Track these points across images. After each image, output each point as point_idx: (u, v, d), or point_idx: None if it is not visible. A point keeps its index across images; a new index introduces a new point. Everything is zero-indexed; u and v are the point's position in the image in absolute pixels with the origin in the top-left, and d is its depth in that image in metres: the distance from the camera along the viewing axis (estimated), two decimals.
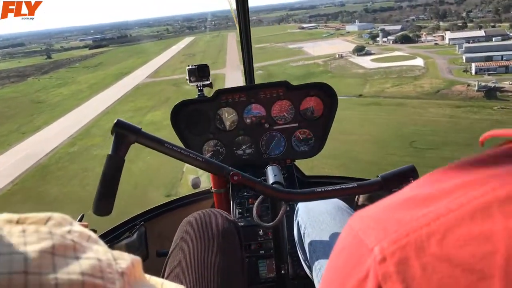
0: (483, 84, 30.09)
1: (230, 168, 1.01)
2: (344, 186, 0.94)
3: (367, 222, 0.35)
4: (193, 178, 2.02)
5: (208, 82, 1.79)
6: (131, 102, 37.75)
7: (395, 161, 18.79)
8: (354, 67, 42.96)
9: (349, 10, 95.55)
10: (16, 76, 58.63)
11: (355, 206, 1.29)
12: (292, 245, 1.32)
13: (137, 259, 0.39)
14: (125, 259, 0.36)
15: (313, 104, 1.75)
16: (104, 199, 0.94)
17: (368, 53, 48.50)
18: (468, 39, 45.70)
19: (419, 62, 41.24)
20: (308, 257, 1.13)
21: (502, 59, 36.23)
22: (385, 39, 54.51)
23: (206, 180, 2.03)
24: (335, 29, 74.86)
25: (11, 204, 18.51)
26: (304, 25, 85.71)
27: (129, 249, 1.37)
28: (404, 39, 52.55)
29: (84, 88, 46.22)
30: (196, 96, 1.77)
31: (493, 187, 0.28)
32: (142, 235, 1.52)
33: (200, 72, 1.75)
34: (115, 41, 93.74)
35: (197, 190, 1.96)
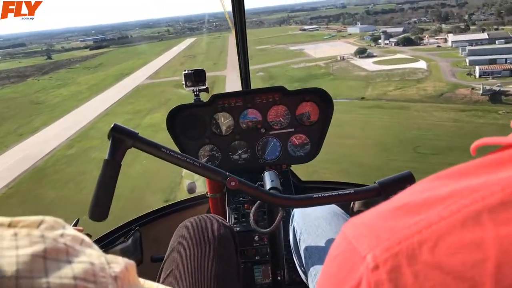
0: (487, 87, 29.66)
1: (227, 173, 1.00)
2: (341, 192, 0.94)
3: (360, 229, 0.36)
4: (189, 183, 2.02)
5: (204, 87, 1.78)
6: (130, 104, 37.39)
7: (398, 166, 18.35)
8: (356, 70, 42.57)
9: (351, 12, 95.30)
10: (16, 77, 58.39)
11: (351, 212, 1.27)
12: (287, 251, 1.30)
13: (131, 263, 0.38)
14: (118, 263, 0.36)
15: (309, 109, 1.75)
16: (100, 204, 0.94)
17: (370, 55, 48.13)
18: (471, 42, 45.31)
19: (422, 64, 40.84)
20: (304, 262, 1.13)
21: (506, 62, 35.82)
22: (387, 41, 54.16)
23: (202, 185, 2.02)
24: (336, 31, 74.56)
25: (5, 208, 18.11)
26: (306, 27, 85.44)
27: (123, 254, 1.34)
28: (406, 42, 52.20)
29: (83, 89, 45.92)
30: (193, 101, 1.76)
31: (483, 195, 0.28)
32: (137, 240, 1.49)
33: (196, 77, 1.74)
34: (116, 42, 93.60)
35: (193, 195, 1.96)
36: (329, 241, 1.08)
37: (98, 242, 1.50)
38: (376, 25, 71.73)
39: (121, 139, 0.96)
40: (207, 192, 1.86)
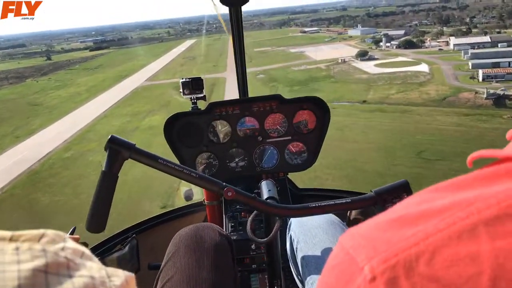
0: (491, 91, 29.25)
1: (224, 184, 1.00)
2: (338, 202, 0.95)
3: (358, 240, 0.36)
4: (186, 190, 2.01)
5: (202, 95, 1.79)
6: (129, 105, 36.97)
7: (402, 172, 17.90)
8: (357, 72, 42.21)
9: (351, 15, 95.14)
10: (15, 78, 57.99)
11: (347, 220, 1.27)
12: (284, 259, 1.30)
13: (131, 275, 0.39)
14: (119, 276, 0.36)
15: (306, 118, 1.76)
16: (98, 216, 0.95)
17: (372, 58, 47.84)
18: (473, 45, 45.03)
19: (424, 68, 40.50)
20: (301, 271, 1.14)
21: (510, 66, 35.45)
22: (388, 44, 53.88)
23: (199, 192, 2.01)
24: (337, 33, 74.37)
25: None
26: (306, 29, 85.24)
27: (120, 262, 1.33)
28: (408, 44, 51.93)
29: (82, 91, 45.51)
30: (190, 109, 1.77)
31: (479, 208, 0.28)
32: (134, 248, 1.47)
33: (194, 85, 1.75)
34: (116, 43, 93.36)
35: (189, 202, 1.96)
36: (326, 250, 1.09)
37: (94, 250, 1.49)
38: (377, 27, 71.51)
39: (118, 150, 0.95)
40: (204, 200, 1.85)
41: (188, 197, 2.00)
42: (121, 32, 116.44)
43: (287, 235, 1.30)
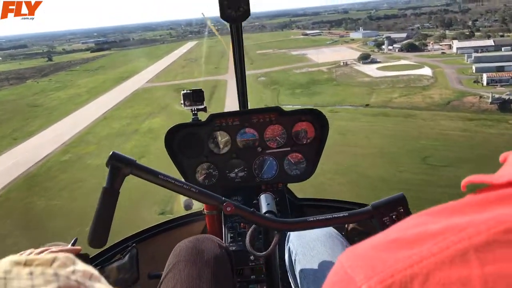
0: (497, 96, 28.79)
1: (223, 198, 1.02)
2: (335, 216, 0.98)
3: (356, 260, 0.37)
4: (186, 199, 1.99)
5: (202, 106, 1.81)
6: (129, 107, 36.63)
7: (408, 178, 17.47)
8: (360, 75, 41.84)
9: (353, 17, 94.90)
10: (15, 78, 57.74)
11: (345, 230, 1.27)
12: (283, 270, 1.33)
13: None
14: None
15: (304, 129, 1.79)
16: (99, 232, 0.97)
17: (374, 61, 47.46)
18: (476, 49, 44.59)
19: (427, 71, 40.10)
20: (299, 284, 1.15)
21: None
22: (390, 47, 53.51)
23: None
24: (339, 36, 74.05)
25: None
26: (308, 32, 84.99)
27: (120, 271, 1.36)
28: (410, 47, 51.55)
29: (82, 92, 45.20)
30: (191, 120, 1.81)
31: (469, 234, 0.29)
32: (134, 257, 1.50)
33: (195, 97, 1.78)
34: (117, 45, 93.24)
35: (189, 212, 1.97)
36: (324, 263, 1.10)
37: (95, 259, 1.51)
38: (379, 30, 71.20)
39: (119, 167, 0.97)
40: (203, 209, 1.86)
41: (187, 206, 1.99)
42: (123, 34, 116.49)
43: (285, 246, 1.32)
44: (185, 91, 1.78)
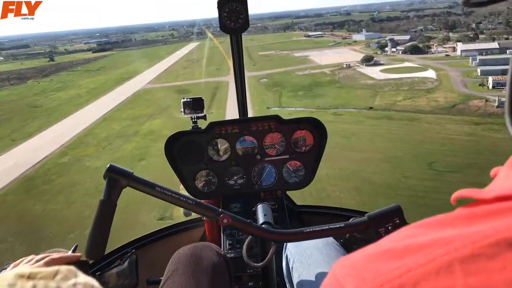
0: (503, 99, 28.08)
1: (220, 210, 1.05)
2: (331, 226, 1.00)
3: (348, 269, 0.39)
4: None
5: (202, 114, 1.84)
6: (130, 108, 36.26)
7: (414, 185, 16.96)
8: (363, 78, 41.37)
9: (355, 19, 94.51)
10: (16, 78, 57.58)
11: (344, 238, 1.29)
12: (280, 278, 1.35)
13: None
14: None
15: (303, 137, 1.82)
16: (96, 244, 0.99)
17: (377, 63, 47.01)
18: (481, 51, 44.07)
19: (431, 74, 39.60)
20: None
21: None
22: (394, 49, 53.07)
23: None
24: (341, 38, 73.70)
25: None
26: (310, 33, 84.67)
27: (119, 277, 1.38)
28: (414, 50, 51.09)
29: (83, 93, 44.88)
30: (190, 128, 1.84)
31: (456, 247, 0.30)
32: (133, 263, 1.48)
33: (194, 105, 1.80)
34: (119, 45, 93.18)
35: (188, 218, 1.98)
36: (320, 271, 1.12)
37: (94, 265, 1.53)
38: (381, 32, 70.77)
39: (117, 179, 0.99)
40: (203, 216, 1.81)
41: (187, 213, 1.95)
42: (125, 34, 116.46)
43: (283, 254, 1.33)
44: (185, 99, 1.80)
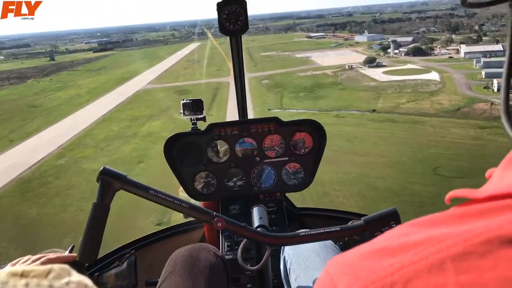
0: (510, 103, 27.76)
1: (214, 213, 1.04)
2: (327, 230, 1.00)
3: (341, 267, 0.39)
4: None
5: (201, 116, 1.85)
6: (129, 109, 35.87)
7: (419, 190, 16.49)
8: (366, 79, 40.91)
9: (357, 21, 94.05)
10: (16, 78, 57.23)
11: (342, 240, 1.31)
12: (278, 279, 1.36)
13: None
14: None
15: (302, 139, 1.82)
16: (90, 247, 0.98)
17: (380, 65, 46.55)
18: (485, 53, 43.61)
19: (434, 76, 39.13)
20: None
21: None
22: (396, 51, 52.63)
23: None
24: (343, 39, 73.30)
25: None
26: (312, 34, 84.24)
27: (118, 278, 1.37)
28: (417, 52, 50.63)
29: (83, 93, 44.51)
30: (190, 129, 1.84)
31: (447, 245, 0.31)
32: (132, 264, 1.48)
33: (194, 106, 1.81)
34: (120, 45, 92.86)
35: (187, 220, 1.96)
36: (317, 273, 1.09)
37: (93, 265, 1.49)
38: (384, 34, 70.32)
39: (110, 182, 0.98)
40: (197, 219, 1.89)
41: None
42: (126, 34, 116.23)
43: (281, 256, 1.33)
44: (184, 101, 1.80)
